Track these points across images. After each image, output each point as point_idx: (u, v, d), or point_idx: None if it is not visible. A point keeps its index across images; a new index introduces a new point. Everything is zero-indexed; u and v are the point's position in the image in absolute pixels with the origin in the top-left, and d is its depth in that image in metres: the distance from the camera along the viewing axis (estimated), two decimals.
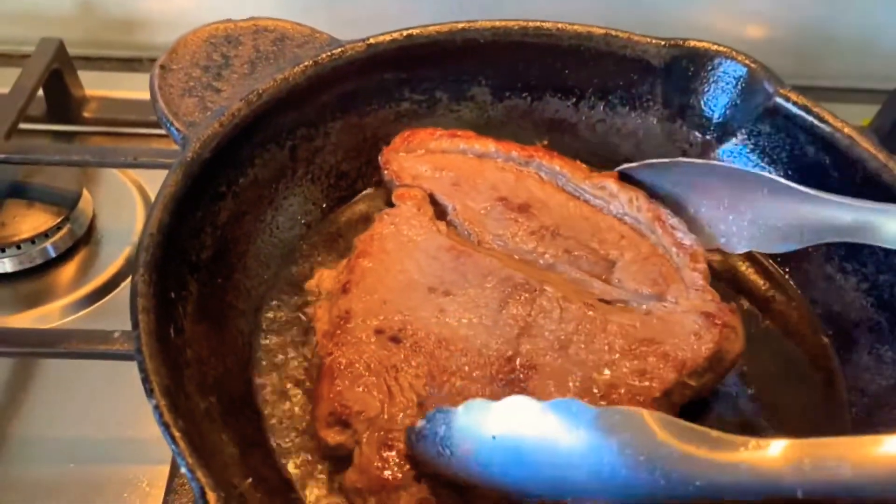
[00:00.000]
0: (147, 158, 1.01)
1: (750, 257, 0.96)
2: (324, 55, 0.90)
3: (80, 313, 1.04)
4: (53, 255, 1.07)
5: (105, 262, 1.09)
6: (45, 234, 1.05)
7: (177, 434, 0.57)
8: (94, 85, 1.30)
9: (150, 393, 0.59)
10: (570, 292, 0.82)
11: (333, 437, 0.71)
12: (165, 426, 0.57)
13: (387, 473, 0.68)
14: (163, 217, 0.72)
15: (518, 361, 0.75)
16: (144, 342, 0.62)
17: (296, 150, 0.91)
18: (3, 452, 0.88)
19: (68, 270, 1.08)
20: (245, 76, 0.89)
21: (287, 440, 0.75)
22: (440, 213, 0.91)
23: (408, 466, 0.68)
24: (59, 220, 1.06)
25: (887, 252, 0.85)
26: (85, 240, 1.10)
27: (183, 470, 0.55)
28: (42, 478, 0.86)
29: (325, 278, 0.87)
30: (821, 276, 0.91)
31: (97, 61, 1.37)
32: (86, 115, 1.27)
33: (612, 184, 0.92)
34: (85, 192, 1.13)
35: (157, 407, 0.58)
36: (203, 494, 0.54)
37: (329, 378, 0.74)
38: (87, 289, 1.06)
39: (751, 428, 0.79)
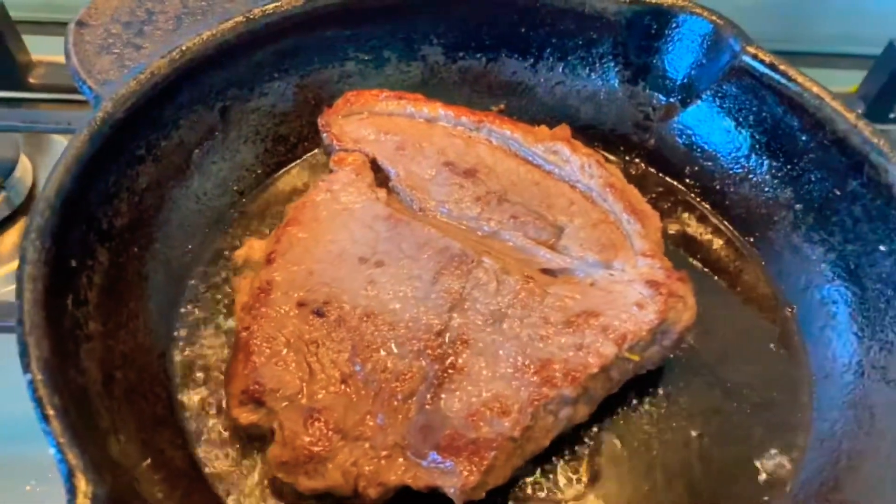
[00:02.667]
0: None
1: (712, 227, 0.91)
2: (257, 10, 0.85)
3: None
4: None
5: None
6: None
7: (49, 412, 0.52)
8: (41, 50, 1.23)
9: (25, 367, 0.54)
10: (510, 263, 0.76)
11: (246, 416, 0.67)
12: (38, 402, 0.53)
13: (315, 446, 0.64)
14: (63, 180, 0.67)
15: (448, 336, 0.70)
16: (26, 312, 0.57)
17: (227, 111, 0.86)
18: None
19: (6, 241, 1.03)
20: (169, 32, 0.83)
21: (198, 420, 0.70)
22: (382, 179, 0.86)
23: (336, 437, 0.64)
24: None
25: (855, 221, 0.80)
26: (24, 209, 1.05)
27: (51, 450, 0.50)
28: None
29: (254, 249, 0.82)
30: (787, 247, 0.86)
31: (44, 25, 1.30)
32: (31, 80, 1.21)
33: (564, 148, 0.86)
34: (25, 159, 1.08)
35: (31, 382, 0.54)
36: (71, 477, 0.49)
37: (244, 354, 0.69)
38: None
39: (700, 408, 0.74)
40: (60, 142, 1.13)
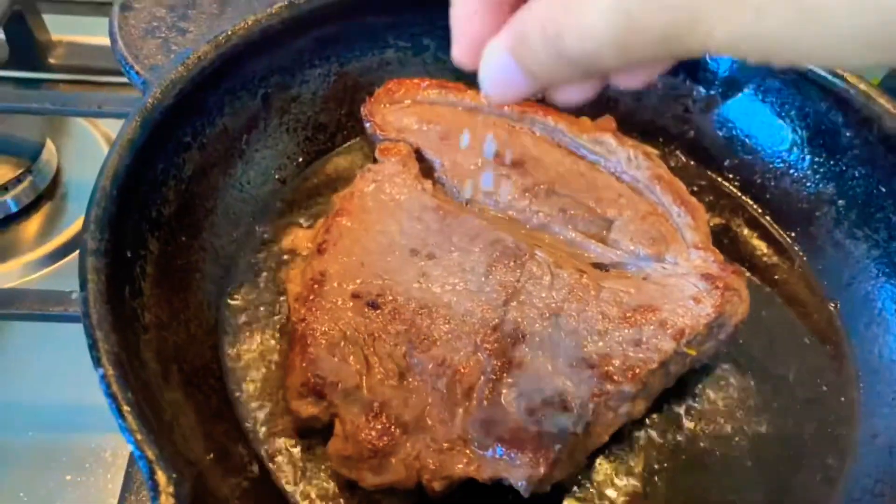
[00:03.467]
0: (113, 107, 0.93)
1: (752, 221, 0.90)
2: None
3: (43, 271, 0.97)
4: (15, 209, 1.00)
5: (70, 217, 1.02)
6: (5, 188, 0.99)
7: (125, 408, 0.51)
8: (62, 29, 1.21)
9: (96, 361, 0.53)
10: (563, 256, 0.76)
11: (306, 409, 0.66)
12: (112, 398, 0.52)
13: (378, 440, 0.63)
14: (118, 168, 0.65)
15: (504, 330, 0.70)
16: (92, 305, 0.56)
17: (269, 98, 0.85)
18: None
19: (31, 226, 1.02)
20: (214, 17, 0.82)
21: (255, 412, 0.70)
22: (427, 169, 0.85)
23: (398, 431, 0.64)
24: (19, 172, 1.00)
25: None
26: (49, 194, 1.04)
27: (131, 448, 0.50)
28: None
29: (299, 238, 0.81)
30: (829, 242, 0.86)
31: (65, 4, 1.28)
32: (52, 61, 1.19)
33: (610, 139, 0.86)
34: (49, 143, 1.06)
35: (104, 377, 0.52)
36: (152, 474, 0.49)
37: (302, 346, 0.68)
38: (50, 245, 1.00)
39: (751, 403, 0.74)
40: (83, 125, 1.11)
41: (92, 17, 1.29)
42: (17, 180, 1.00)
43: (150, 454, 0.50)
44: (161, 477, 0.49)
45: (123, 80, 1.18)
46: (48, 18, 1.20)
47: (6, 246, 0.98)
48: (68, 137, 1.10)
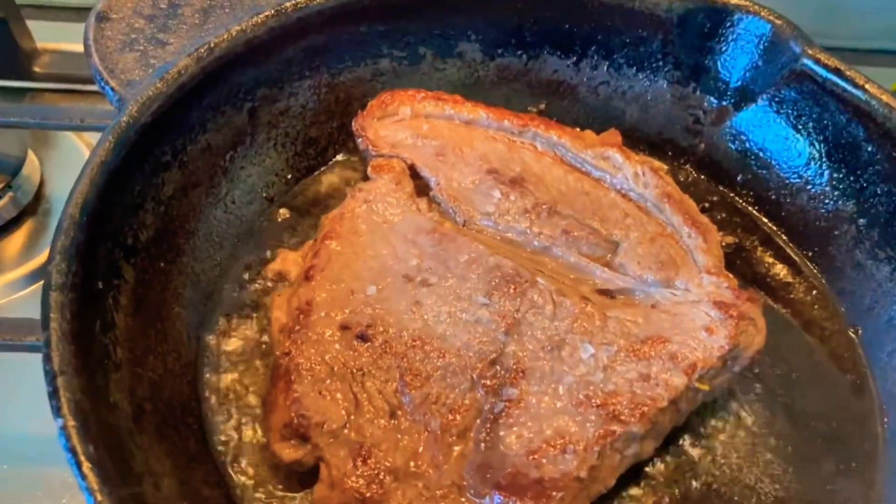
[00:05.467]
0: (95, 120, 0.89)
1: (767, 240, 0.86)
2: (288, 4, 0.79)
3: (26, 290, 0.93)
4: None
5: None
6: None
7: (85, 464, 0.47)
8: (47, 37, 1.17)
9: (56, 411, 0.49)
10: (566, 283, 0.71)
11: (289, 452, 0.62)
12: (72, 452, 0.47)
13: (366, 489, 0.59)
14: (88, 194, 0.61)
15: (503, 364, 0.65)
16: (55, 347, 0.52)
17: (256, 112, 0.80)
18: None
19: (12, 243, 0.97)
20: (196, 27, 0.77)
21: (235, 455, 0.65)
22: (422, 187, 0.80)
23: (388, 478, 0.59)
24: (0, 187, 0.95)
25: None
26: (31, 209, 1.00)
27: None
28: None
29: (288, 261, 0.77)
30: (849, 263, 0.81)
31: (50, 10, 1.24)
32: (36, 69, 1.14)
33: (616, 154, 0.81)
34: (32, 156, 1.02)
35: (63, 429, 0.48)
36: None
37: (285, 382, 0.64)
38: (34, 263, 0.95)
39: (768, 440, 0.69)
40: (68, 136, 1.07)
41: (77, 24, 1.23)
42: None
43: None
44: None
45: None
46: (32, 25, 1.15)
47: None
48: (52, 149, 1.05)
